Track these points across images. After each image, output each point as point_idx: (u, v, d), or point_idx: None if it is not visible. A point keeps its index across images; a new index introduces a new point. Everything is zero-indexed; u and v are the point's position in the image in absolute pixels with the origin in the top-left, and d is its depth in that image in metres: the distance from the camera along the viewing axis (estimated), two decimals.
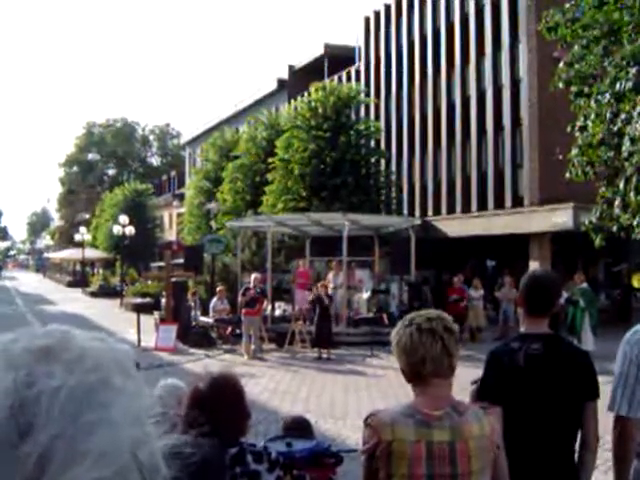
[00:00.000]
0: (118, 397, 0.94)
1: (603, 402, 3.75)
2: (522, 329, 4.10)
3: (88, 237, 61.61)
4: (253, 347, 20.14)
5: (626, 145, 15.97)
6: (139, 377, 1.00)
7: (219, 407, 3.43)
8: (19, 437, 0.87)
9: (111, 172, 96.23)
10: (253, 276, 21.12)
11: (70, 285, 65.65)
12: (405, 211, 37.43)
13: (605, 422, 3.72)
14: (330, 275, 24.85)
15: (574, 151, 17.66)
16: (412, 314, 3.13)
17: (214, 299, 23.70)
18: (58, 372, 0.91)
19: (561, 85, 18.35)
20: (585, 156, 17.35)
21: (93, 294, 51.76)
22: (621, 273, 30.68)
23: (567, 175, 18.01)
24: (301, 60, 51.11)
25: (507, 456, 3.08)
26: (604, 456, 3.68)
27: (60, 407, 0.89)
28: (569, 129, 18.14)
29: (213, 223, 34.33)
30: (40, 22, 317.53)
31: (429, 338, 2.95)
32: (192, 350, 21.30)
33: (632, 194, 15.92)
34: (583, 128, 17.53)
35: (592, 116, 17.19)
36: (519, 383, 3.77)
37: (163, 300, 25.47)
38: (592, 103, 17.34)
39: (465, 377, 4.58)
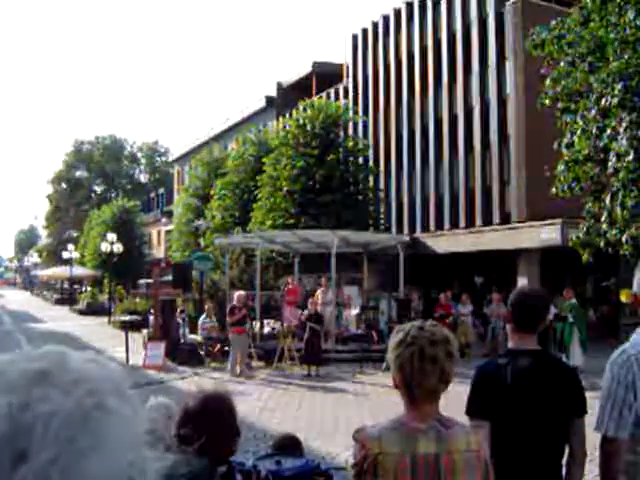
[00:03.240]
0: (114, 421, 0.93)
1: (591, 418, 3.76)
2: (510, 345, 4.12)
3: (76, 254, 61.31)
4: (239, 367, 20.02)
5: (612, 161, 16.08)
6: (134, 399, 1.00)
7: (209, 425, 3.42)
8: (14, 462, 0.87)
9: (99, 189, 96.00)
10: (236, 294, 21.05)
11: (58, 303, 65.31)
12: (393, 228, 37.51)
13: (593, 437, 3.73)
14: (319, 292, 24.82)
15: (560, 167, 17.76)
16: (415, 328, 2.99)
17: (202, 316, 23.62)
18: (54, 396, 0.91)
19: (547, 102, 18.49)
20: (571, 172, 17.46)
21: (81, 312, 51.47)
22: (609, 288, 30.77)
23: (553, 190, 18.12)
24: (289, 77, 51.26)
25: (495, 471, 3.08)
26: (594, 471, 3.68)
27: (56, 432, 0.88)
28: (556, 146, 18.26)
29: (201, 240, 34.29)
30: (29, 39, 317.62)
31: (429, 366, 2.89)
32: (180, 368, 21.21)
33: (618, 209, 16.00)
34: (570, 144, 17.64)
35: (578, 132, 17.30)
36: (506, 399, 3.78)
37: (151, 317, 25.38)
38: (578, 119, 17.46)
39: (453, 393, 4.59)
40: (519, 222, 30.11)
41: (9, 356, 0.98)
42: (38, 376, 0.93)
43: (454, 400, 4.28)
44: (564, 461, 3.88)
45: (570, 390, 3.82)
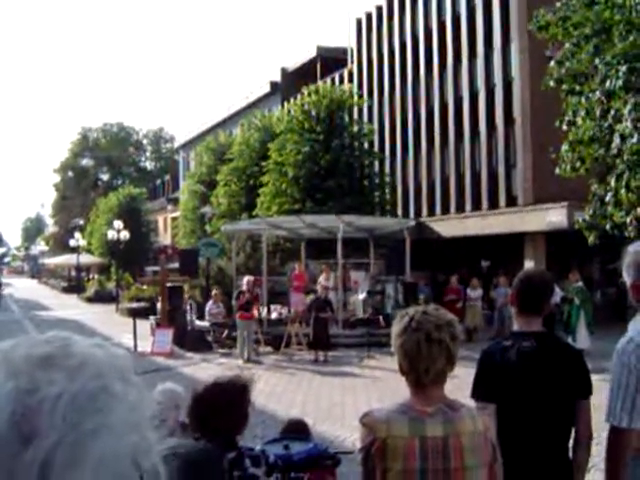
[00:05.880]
0: (119, 404, 0.95)
1: (596, 399, 3.77)
2: (515, 328, 4.13)
3: (83, 242, 61.41)
4: (246, 352, 20.08)
5: (616, 142, 16.03)
6: (140, 384, 1.01)
7: (219, 411, 3.45)
8: (21, 444, 0.88)
9: (105, 177, 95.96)
10: (245, 279, 21.10)
11: (65, 291, 65.46)
12: (399, 212, 37.46)
13: (599, 419, 3.73)
14: (321, 278, 24.84)
15: (564, 147, 17.73)
16: (419, 313, 2.99)
17: (210, 303, 23.67)
18: (59, 379, 0.92)
19: (552, 84, 18.42)
20: (575, 152, 17.42)
21: (89, 299, 51.65)
22: (616, 271, 30.71)
23: (557, 171, 18.09)
24: (294, 62, 51.09)
25: (501, 453, 3.09)
26: (601, 454, 3.66)
27: (62, 414, 0.90)
28: (557, 124, 18.22)
29: (208, 227, 34.29)
30: (36, 28, 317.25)
31: (436, 350, 2.91)
32: (188, 354, 21.28)
33: (623, 191, 15.97)
34: (572, 122, 17.59)
35: (582, 113, 17.26)
36: (511, 381, 3.80)
37: (159, 304, 25.45)
38: (583, 101, 17.40)
39: (461, 377, 4.61)
40: (525, 205, 30.06)
41: (14, 341, 0.99)
42: (43, 360, 0.94)
43: (461, 383, 4.29)
44: (571, 444, 3.89)
45: (574, 372, 3.82)
